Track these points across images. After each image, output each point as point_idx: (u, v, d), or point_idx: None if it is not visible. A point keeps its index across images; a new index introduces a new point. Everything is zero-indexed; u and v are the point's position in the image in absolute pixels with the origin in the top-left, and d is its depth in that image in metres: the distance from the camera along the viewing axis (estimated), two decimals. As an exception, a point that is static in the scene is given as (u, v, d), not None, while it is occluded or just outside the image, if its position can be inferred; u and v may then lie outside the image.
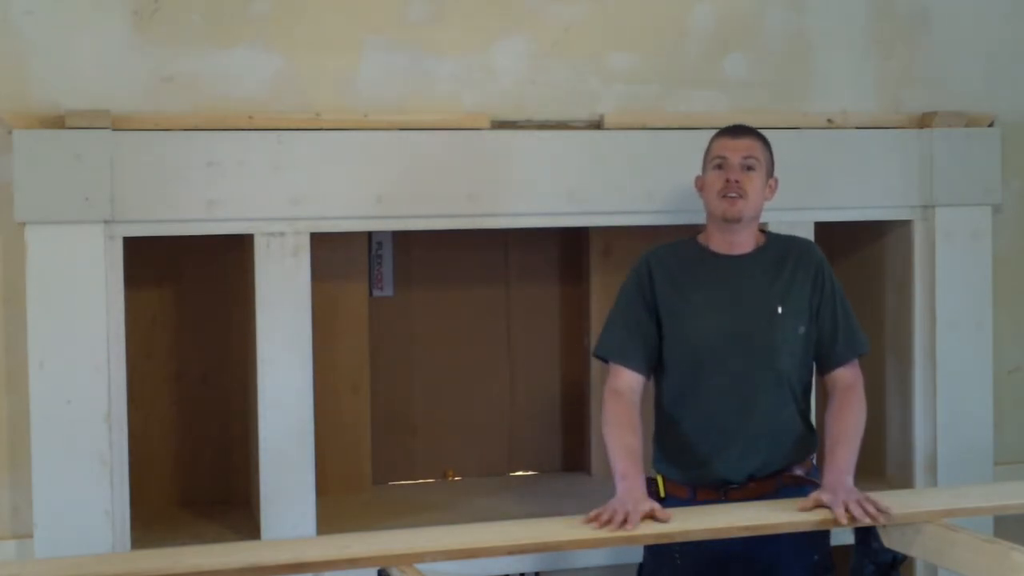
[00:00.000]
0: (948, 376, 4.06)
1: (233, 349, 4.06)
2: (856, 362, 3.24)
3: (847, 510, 2.94)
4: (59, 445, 3.37)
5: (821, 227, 3.94)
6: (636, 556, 3.34)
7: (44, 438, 3.37)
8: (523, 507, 3.95)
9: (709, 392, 3.16)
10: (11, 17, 3.45)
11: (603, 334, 3.27)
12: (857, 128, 4.00)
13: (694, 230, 3.37)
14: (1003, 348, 4.18)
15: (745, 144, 3.19)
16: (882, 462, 4.23)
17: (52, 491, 3.37)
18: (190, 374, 4.15)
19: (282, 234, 3.55)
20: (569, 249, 4.53)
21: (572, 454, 4.57)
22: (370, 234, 4.29)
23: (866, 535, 3.04)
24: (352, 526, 3.53)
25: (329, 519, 3.66)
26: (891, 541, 3.02)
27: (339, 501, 4.05)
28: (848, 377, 3.22)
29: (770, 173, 3.24)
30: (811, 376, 3.28)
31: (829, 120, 3.98)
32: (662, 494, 3.17)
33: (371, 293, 4.33)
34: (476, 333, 4.50)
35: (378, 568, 2.78)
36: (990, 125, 4.11)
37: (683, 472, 3.20)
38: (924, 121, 4.03)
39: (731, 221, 3.17)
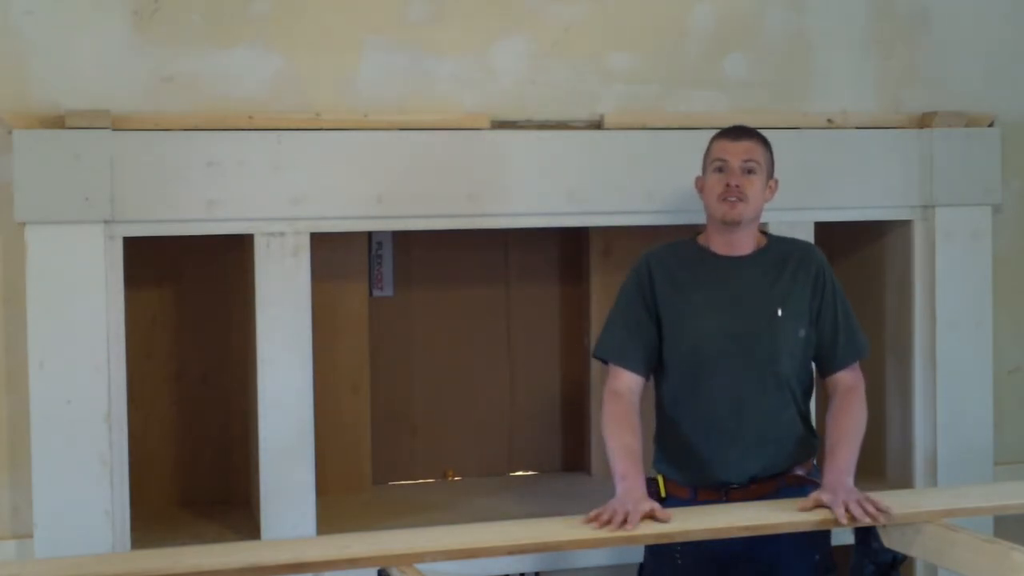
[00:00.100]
0: (948, 376, 4.06)
1: (233, 349, 4.06)
2: (857, 365, 3.24)
3: (847, 510, 2.94)
4: (59, 445, 3.37)
5: (821, 227, 3.94)
6: (636, 556, 3.34)
7: (44, 438, 3.37)
8: (523, 507, 3.95)
9: (709, 393, 3.15)
10: (11, 17, 3.45)
11: (603, 335, 3.27)
12: (857, 128, 4.00)
13: (694, 230, 3.37)
14: (1003, 348, 4.18)
15: (745, 147, 3.18)
16: (882, 462, 4.22)
17: (52, 491, 3.37)
18: (190, 374, 4.15)
19: (282, 234, 3.55)
20: (569, 249, 4.53)
21: (572, 454, 4.57)
22: (370, 234, 4.29)
23: (866, 535, 3.04)
24: (352, 526, 3.53)
25: (329, 519, 3.66)
26: (891, 541, 3.02)
27: (339, 501, 4.05)
28: (849, 380, 3.22)
29: (770, 174, 3.23)
30: (811, 379, 3.28)
31: (829, 120, 3.98)
32: (663, 494, 3.17)
33: (371, 293, 4.33)
34: (476, 333, 4.50)
35: (378, 568, 2.78)
36: (990, 125, 4.11)
37: (684, 473, 3.20)
38: (924, 121, 4.03)
39: (731, 224, 3.17)
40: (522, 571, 3.69)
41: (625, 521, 2.87)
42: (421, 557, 2.74)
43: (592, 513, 2.92)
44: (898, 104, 4.08)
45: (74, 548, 3.29)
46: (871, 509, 2.95)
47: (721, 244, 3.22)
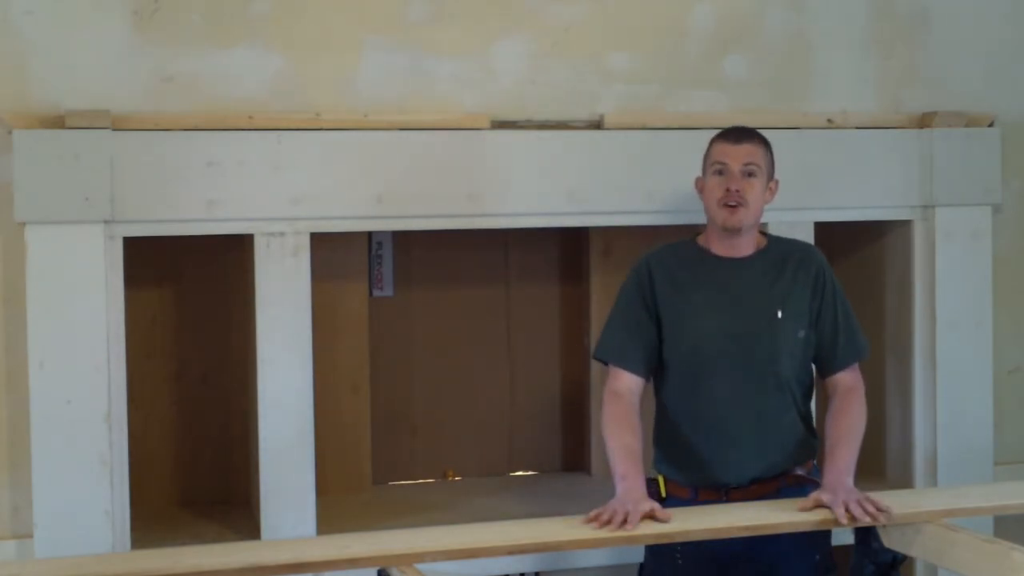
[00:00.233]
0: (948, 376, 4.06)
1: (233, 349, 4.06)
2: (856, 366, 3.24)
3: (847, 510, 2.94)
4: (59, 445, 3.37)
5: (821, 227, 3.94)
6: (636, 556, 3.34)
7: (44, 438, 3.37)
8: (523, 507, 3.95)
9: (709, 394, 3.15)
10: (11, 17, 3.45)
11: (603, 336, 3.27)
12: (857, 128, 4.00)
13: (694, 230, 3.37)
14: (1003, 348, 4.18)
15: (746, 150, 3.17)
16: (882, 462, 4.22)
17: (52, 491, 3.37)
18: (190, 374, 4.15)
19: (282, 234, 3.55)
20: (569, 249, 4.53)
21: (572, 454, 4.57)
22: (370, 234, 4.29)
23: (866, 535, 3.04)
24: (352, 526, 3.53)
25: (329, 519, 3.66)
26: (891, 541, 3.02)
27: (339, 501, 4.05)
28: (849, 380, 3.22)
29: (771, 176, 3.23)
30: (811, 379, 3.28)
31: (829, 120, 3.98)
32: (663, 494, 3.17)
33: (371, 293, 4.33)
34: (476, 333, 4.50)
35: (378, 568, 2.78)
36: (990, 125, 4.11)
37: (684, 473, 3.20)
38: (924, 121, 4.03)
39: (731, 231, 3.17)
40: (522, 571, 3.69)
41: (625, 521, 2.87)
42: (421, 557, 2.74)
43: (592, 513, 2.92)
44: (898, 104, 4.08)
45: (74, 548, 3.29)
46: (871, 509, 2.95)
47: (721, 246, 3.22)
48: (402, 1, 3.71)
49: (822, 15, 4.02)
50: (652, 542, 3.08)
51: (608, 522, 2.88)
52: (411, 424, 4.45)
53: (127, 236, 3.45)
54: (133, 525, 3.50)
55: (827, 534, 3.16)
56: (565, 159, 3.76)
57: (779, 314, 3.16)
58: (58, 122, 3.39)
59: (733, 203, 3.14)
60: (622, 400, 3.14)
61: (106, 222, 3.41)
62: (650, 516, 2.92)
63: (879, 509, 2.95)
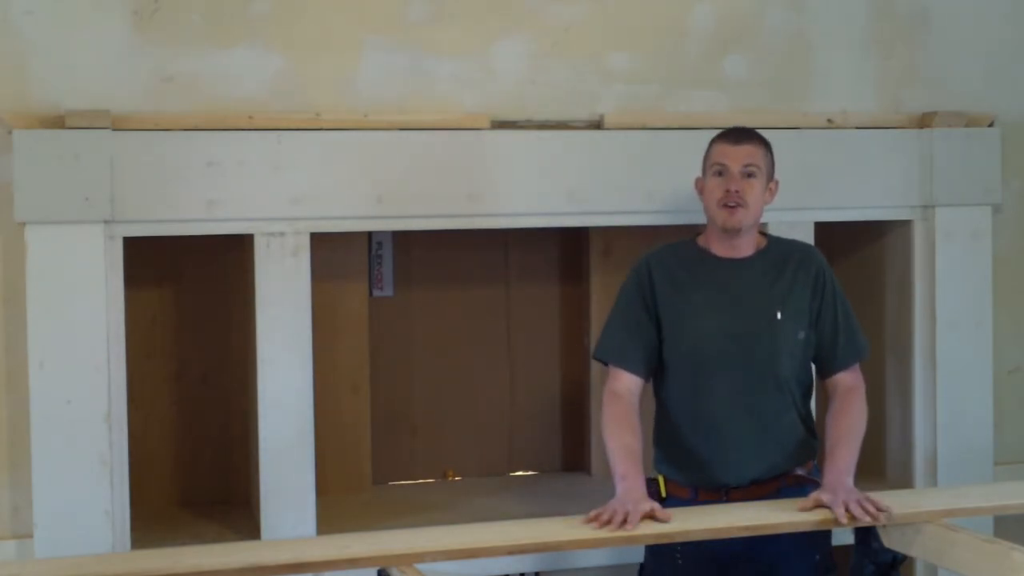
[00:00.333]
0: (948, 376, 4.06)
1: (233, 349, 4.06)
2: (857, 367, 3.24)
3: (847, 510, 2.94)
4: (59, 445, 3.37)
5: (821, 227, 3.94)
6: (636, 556, 3.34)
7: (44, 438, 3.37)
8: (523, 507, 3.95)
9: (709, 394, 3.15)
10: (11, 17, 3.45)
11: (602, 336, 3.27)
12: (857, 128, 4.00)
13: (694, 230, 3.37)
14: (1003, 348, 4.18)
15: (746, 151, 3.17)
16: (882, 462, 4.22)
17: (52, 491, 3.37)
18: (190, 374, 4.15)
19: (282, 234, 3.55)
20: (569, 249, 4.53)
21: (572, 454, 4.57)
22: (370, 234, 4.29)
23: (866, 535, 3.04)
24: (352, 526, 3.53)
25: (329, 519, 3.66)
26: (891, 541, 3.02)
27: (339, 501, 4.05)
28: (849, 381, 3.22)
29: (771, 176, 3.23)
30: (811, 380, 3.27)
31: (829, 120, 3.98)
32: (663, 494, 3.17)
33: (371, 293, 4.33)
34: (476, 333, 4.50)
35: (378, 568, 2.78)
36: (990, 125, 4.11)
37: (684, 474, 3.20)
38: (924, 121, 4.03)
39: (731, 232, 3.17)
40: (522, 571, 3.69)
41: (625, 521, 2.87)
42: (421, 557, 2.74)
43: (592, 513, 2.92)
44: (898, 104, 4.08)
45: (74, 548, 3.29)
46: (871, 509, 2.95)
47: (721, 247, 3.22)
48: (402, 1, 3.71)
49: (822, 15, 4.02)
50: (652, 542, 3.08)
51: (608, 522, 2.88)
52: (411, 424, 4.45)
53: (127, 236, 3.45)
54: (133, 525, 3.50)
55: (827, 534, 3.16)
56: (565, 159, 3.76)
57: (779, 314, 3.16)
58: (58, 122, 3.39)
59: (733, 204, 3.14)
60: (622, 400, 3.14)
61: (106, 222, 3.41)
62: (650, 516, 2.92)
63: (879, 509, 2.95)
